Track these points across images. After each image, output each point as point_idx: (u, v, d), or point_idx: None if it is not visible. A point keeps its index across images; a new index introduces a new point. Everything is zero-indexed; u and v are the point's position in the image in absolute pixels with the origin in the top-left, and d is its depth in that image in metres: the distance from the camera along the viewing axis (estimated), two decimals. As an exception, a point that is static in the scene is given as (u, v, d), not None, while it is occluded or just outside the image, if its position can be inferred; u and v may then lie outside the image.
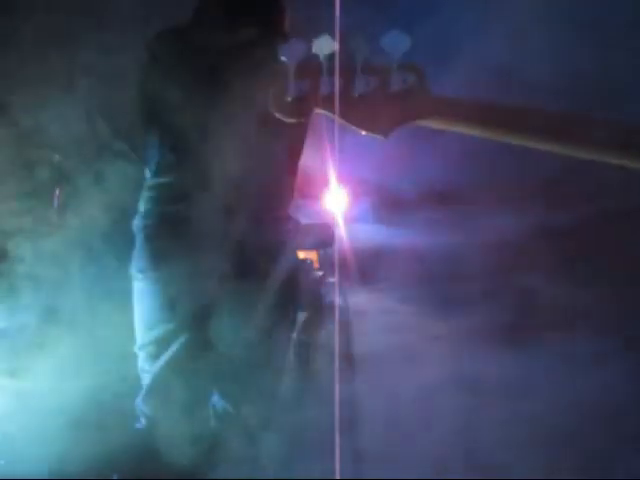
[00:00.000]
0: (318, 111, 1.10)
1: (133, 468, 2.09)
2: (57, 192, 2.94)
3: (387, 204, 3.44)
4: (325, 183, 3.22)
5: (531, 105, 1.15)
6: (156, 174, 2.12)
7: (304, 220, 2.53)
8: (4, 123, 2.89)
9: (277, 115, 1.09)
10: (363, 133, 1.10)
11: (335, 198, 3.36)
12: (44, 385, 2.57)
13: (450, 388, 2.88)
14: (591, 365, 2.75)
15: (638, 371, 2.76)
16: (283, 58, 1.06)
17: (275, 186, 2.10)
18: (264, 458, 2.18)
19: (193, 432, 2.05)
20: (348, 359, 2.98)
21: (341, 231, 3.26)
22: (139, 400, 2.11)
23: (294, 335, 2.39)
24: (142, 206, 2.13)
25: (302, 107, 1.08)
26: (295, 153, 2.13)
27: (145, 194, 2.13)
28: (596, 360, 2.77)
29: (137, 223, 2.13)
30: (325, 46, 1.04)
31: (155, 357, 2.06)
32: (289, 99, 1.08)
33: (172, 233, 2.06)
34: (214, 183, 2.01)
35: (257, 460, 2.16)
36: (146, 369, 2.09)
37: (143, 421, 2.10)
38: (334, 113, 1.08)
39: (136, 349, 2.12)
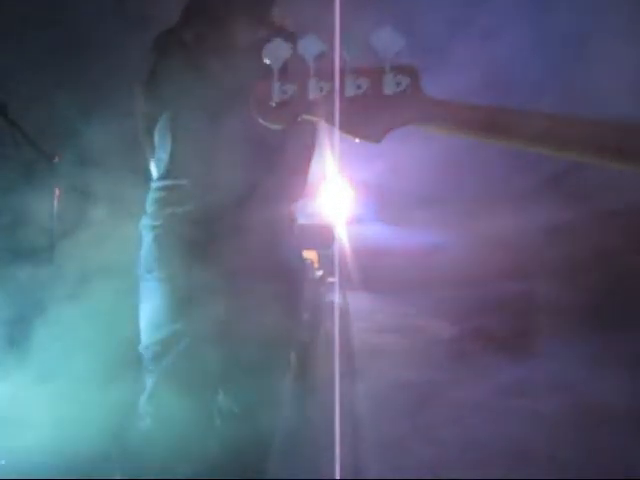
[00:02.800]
0: (305, 117, 1.03)
1: (136, 468, 2.09)
2: (57, 192, 2.94)
3: (387, 204, 3.44)
4: (325, 183, 3.23)
5: (530, 108, 1.11)
6: (163, 175, 2.11)
7: (304, 220, 2.53)
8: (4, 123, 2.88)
9: (260, 121, 1.03)
10: (355, 140, 1.03)
11: (335, 198, 3.36)
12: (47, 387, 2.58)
13: (450, 389, 2.89)
14: (592, 367, 2.77)
15: (638, 371, 2.78)
16: (266, 60, 1.00)
17: (282, 187, 2.10)
18: (267, 458, 2.18)
19: (197, 432, 2.05)
20: (348, 359, 2.99)
21: (341, 231, 3.26)
22: (143, 400, 2.11)
23: (295, 335, 2.39)
24: (149, 207, 2.12)
25: (287, 113, 1.02)
26: (304, 154, 2.13)
27: (152, 195, 2.12)
28: (598, 362, 2.79)
29: (144, 224, 2.13)
30: (312, 47, 0.98)
31: (160, 357, 2.06)
32: (273, 104, 1.02)
33: (179, 234, 2.05)
34: (221, 184, 2.01)
35: (258, 459, 2.17)
36: (151, 369, 2.09)
37: (147, 421, 2.09)
38: (322, 118, 1.02)
39: (141, 349, 2.11)
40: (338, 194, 3.36)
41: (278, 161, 2.06)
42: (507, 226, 3.08)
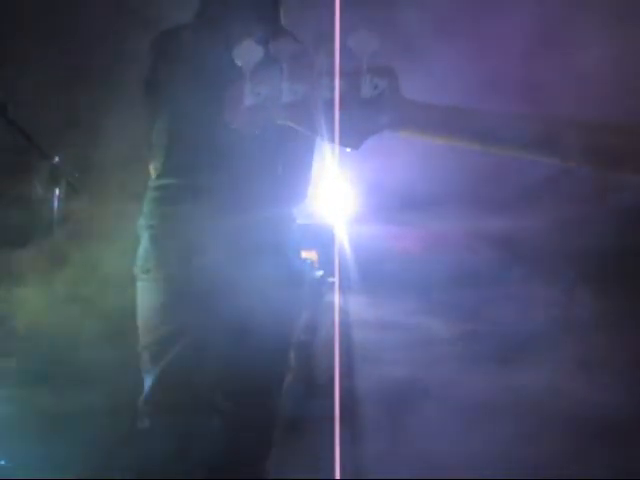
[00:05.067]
0: (280, 121, 0.99)
1: (135, 468, 2.09)
2: (57, 192, 2.94)
3: (388, 204, 3.44)
4: (325, 183, 3.23)
5: (515, 112, 1.07)
6: (160, 174, 2.11)
7: (304, 220, 2.53)
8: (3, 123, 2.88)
9: (233, 125, 1.00)
10: (347, 149, 1.00)
11: (335, 198, 3.36)
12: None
13: (451, 390, 2.89)
14: (592, 370, 2.76)
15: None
16: (238, 62, 0.96)
17: (281, 187, 2.10)
18: (266, 458, 2.18)
19: (196, 432, 2.05)
20: (348, 359, 2.99)
21: (341, 231, 3.26)
22: (141, 400, 2.11)
23: (295, 335, 2.39)
24: (146, 206, 2.12)
25: (260, 117, 0.98)
26: (304, 153, 2.12)
27: (149, 194, 2.12)
28: (598, 365, 2.78)
29: (141, 223, 2.13)
30: (285, 48, 0.95)
31: (158, 358, 2.06)
32: (245, 108, 0.98)
33: (176, 233, 2.05)
34: (218, 183, 2.01)
35: (258, 460, 2.17)
36: (149, 369, 2.09)
37: (145, 421, 2.09)
38: (298, 123, 0.98)
39: (139, 349, 2.11)
40: (338, 194, 3.36)
41: (278, 161, 2.06)
42: (507, 226, 3.07)
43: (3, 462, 2.54)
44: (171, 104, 2.07)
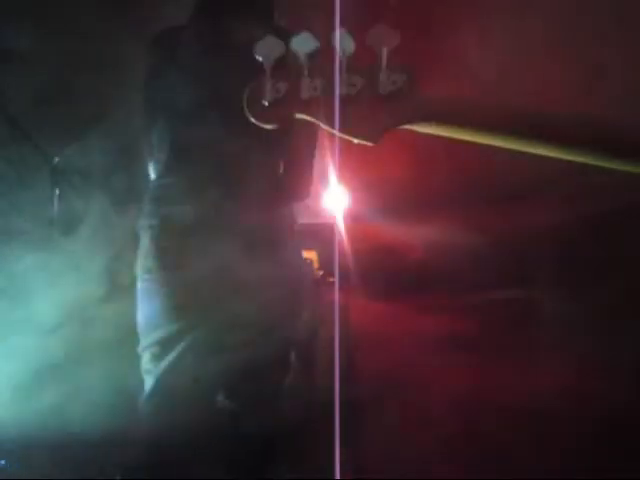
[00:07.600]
0: (299, 116, 1.00)
1: (137, 468, 2.09)
2: (57, 192, 2.94)
3: (388, 204, 3.44)
4: (325, 182, 3.23)
5: (535, 107, 1.06)
6: (161, 174, 2.12)
7: (304, 220, 2.54)
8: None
9: (253, 121, 1.01)
10: (355, 141, 1.01)
11: (335, 198, 3.36)
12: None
13: (453, 389, 2.89)
14: (589, 372, 2.76)
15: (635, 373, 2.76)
16: (258, 57, 0.98)
17: (282, 186, 2.10)
18: (266, 458, 2.18)
19: (197, 433, 2.06)
20: (348, 358, 2.99)
21: (341, 231, 3.26)
22: (142, 400, 2.11)
23: (295, 335, 2.39)
24: (146, 206, 2.13)
25: (280, 112, 0.99)
26: (305, 152, 2.12)
27: (150, 194, 2.13)
28: (596, 367, 2.78)
29: (141, 224, 2.13)
30: (305, 44, 0.95)
31: (159, 358, 2.06)
32: (265, 103, 1.00)
33: (177, 233, 2.06)
34: (218, 183, 2.01)
35: (259, 459, 2.17)
36: (150, 370, 2.09)
37: (146, 422, 2.10)
38: (317, 118, 0.99)
39: (139, 350, 2.12)
40: (338, 194, 3.36)
41: (279, 160, 2.07)
42: (507, 227, 3.07)
43: (3, 462, 2.54)
44: (170, 104, 2.08)
